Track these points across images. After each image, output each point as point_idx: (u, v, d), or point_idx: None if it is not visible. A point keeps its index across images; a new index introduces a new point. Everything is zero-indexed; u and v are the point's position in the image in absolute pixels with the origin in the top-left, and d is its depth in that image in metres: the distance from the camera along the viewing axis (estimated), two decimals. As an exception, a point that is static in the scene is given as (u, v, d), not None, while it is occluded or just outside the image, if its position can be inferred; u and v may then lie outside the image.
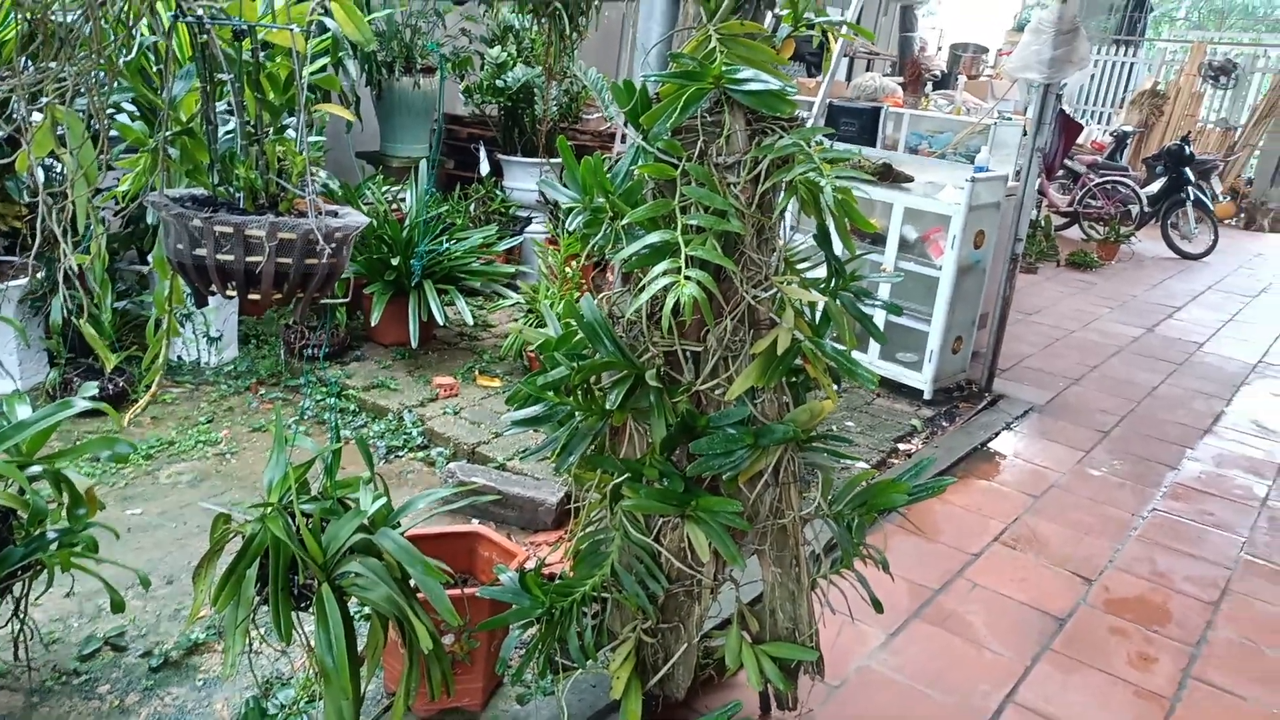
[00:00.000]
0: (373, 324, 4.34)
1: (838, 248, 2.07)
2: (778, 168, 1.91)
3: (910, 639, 2.78)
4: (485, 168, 5.87)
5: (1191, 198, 9.25)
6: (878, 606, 2.26)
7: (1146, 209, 9.40)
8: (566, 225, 2.08)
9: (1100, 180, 9.43)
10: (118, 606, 2.21)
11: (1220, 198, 10.93)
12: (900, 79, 8.67)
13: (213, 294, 1.60)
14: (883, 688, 2.56)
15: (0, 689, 2.31)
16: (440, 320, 4.32)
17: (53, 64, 1.26)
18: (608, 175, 2.04)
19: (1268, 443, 4.62)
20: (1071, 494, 3.84)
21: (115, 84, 1.48)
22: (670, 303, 1.74)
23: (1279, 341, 6.53)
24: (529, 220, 5.86)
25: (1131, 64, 13.61)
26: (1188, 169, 9.37)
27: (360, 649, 1.90)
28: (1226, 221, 11.34)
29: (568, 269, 4.50)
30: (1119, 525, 3.60)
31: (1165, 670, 2.75)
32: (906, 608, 2.92)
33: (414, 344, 4.30)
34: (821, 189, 1.83)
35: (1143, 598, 3.12)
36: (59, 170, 1.45)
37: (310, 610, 1.87)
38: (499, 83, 5.81)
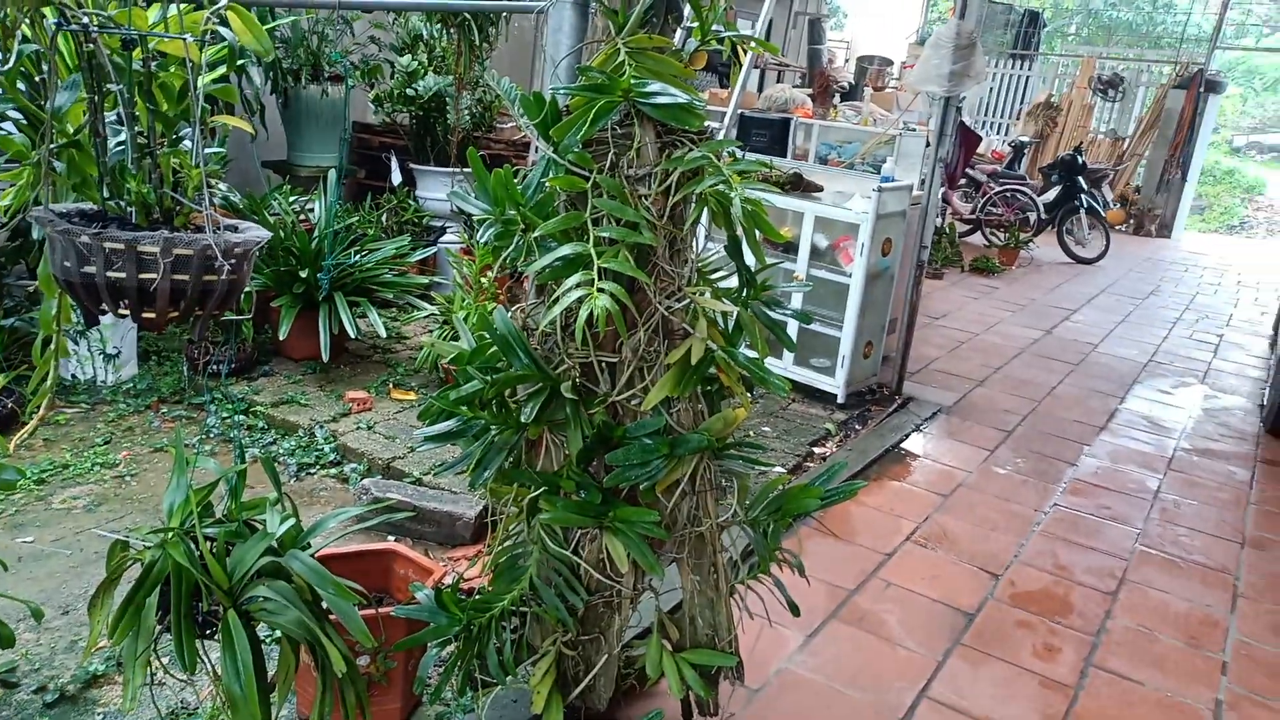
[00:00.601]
0: (281, 338, 4.23)
1: (749, 258, 2.10)
2: (688, 180, 1.93)
3: (828, 640, 2.83)
4: (397, 177, 5.77)
5: (1085, 205, 9.69)
6: (794, 610, 2.30)
7: (1044, 216, 9.81)
8: (479, 237, 2.06)
9: (1000, 189, 9.80)
10: (6, 641, 2.09)
11: (1111, 205, 11.48)
12: (809, 90, 8.87)
13: (103, 313, 1.53)
14: (802, 689, 2.60)
15: (-124, 735, 2.17)
16: (352, 333, 4.23)
17: (-78, 73, 1.19)
18: (519, 187, 2.03)
19: (1158, 438, 4.86)
20: (979, 492, 3.97)
21: (-7, 94, 1.41)
22: (584, 315, 1.73)
23: (1167, 341, 6.89)
24: (443, 230, 5.79)
25: (1027, 77, 14.20)
26: (1081, 178, 9.82)
27: (271, 674, 1.84)
28: (1117, 227, 11.92)
29: (483, 279, 4.46)
30: (1023, 521, 3.74)
31: (1068, 659, 2.86)
32: (824, 609, 2.97)
33: (325, 358, 4.20)
34: (731, 201, 1.85)
35: (1046, 590, 3.24)
36: (-66, 183, 1.37)
37: (216, 638, 1.81)
38: (410, 91, 5.73)
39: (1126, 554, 3.56)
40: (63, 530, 3.06)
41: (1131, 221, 12.54)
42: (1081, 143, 12.23)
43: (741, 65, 4.16)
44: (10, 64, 1.28)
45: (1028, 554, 3.48)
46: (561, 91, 1.94)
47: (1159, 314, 7.76)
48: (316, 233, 4.49)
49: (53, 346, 1.75)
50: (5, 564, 2.15)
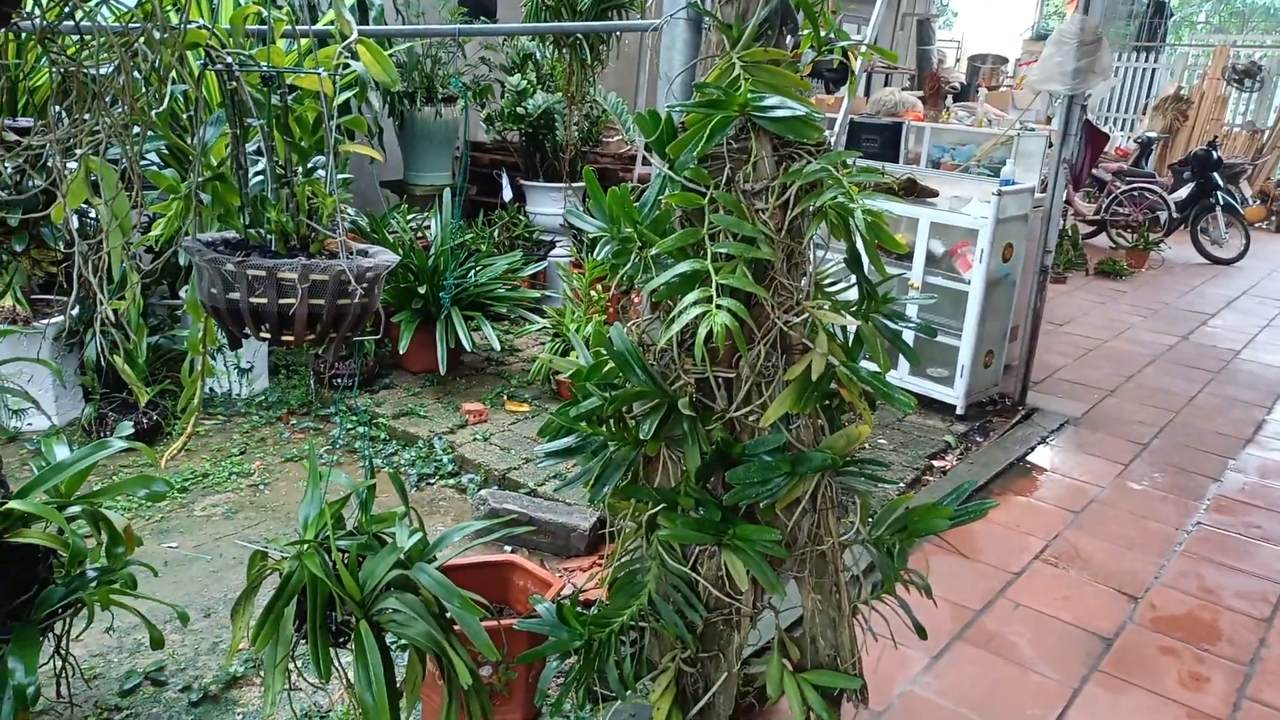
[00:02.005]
0: (401, 352, 4.37)
1: (868, 269, 2.05)
2: (806, 193, 1.90)
3: (954, 662, 2.73)
4: (508, 193, 5.91)
5: (1220, 202, 9.13)
6: (921, 633, 2.22)
7: (1175, 215, 9.29)
8: (595, 254, 2.08)
9: (1127, 187, 9.33)
10: (157, 642, 2.22)
11: (1250, 201, 10.79)
12: (919, 92, 8.66)
13: (246, 336, 1.60)
14: (927, 713, 2.51)
15: (43, 728, 2.33)
16: (467, 346, 4.33)
17: (86, 116, 1.27)
18: (635, 204, 2.04)
19: (1312, 451, 4.53)
20: (1112, 509, 3.77)
21: (147, 134, 1.50)
22: (703, 332, 1.72)
23: (1318, 346, 6.42)
24: (553, 244, 5.88)
25: (1153, 70, 13.51)
26: (1215, 173, 9.25)
27: (399, 682, 1.89)
28: (1257, 225, 11.17)
29: (593, 292, 4.50)
30: (1163, 540, 3.53)
31: (1219, 690, 2.68)
32: (949, 629, 2.87)
33: (442, 370, 4.32)
34: (852, 213, 1.81)
35: (1191, 615, 3.05)
36: (93, 216, 1.47)
37: (348, 646, 1.87)
38: (519, 110, 5.85)
39: (1280, 577, 3.32)
40: (203, 536, 3.23)
41: (1273, 218, 11.74)
42: (1216, 136, 11.53)
43: (854, 72, 4.08)
44: (164, 105, 1.36)
45: (1169, 575, 3.28)
46: (677, 108, 1.94)
47: (1308, 317, 7.24)
48: (433, 250, 4.63)
49: (199, 368, 1.84)
50: (155, 569, 2.28)
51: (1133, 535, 3.55)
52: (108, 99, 1.26)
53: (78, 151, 1.33)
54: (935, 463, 4.10)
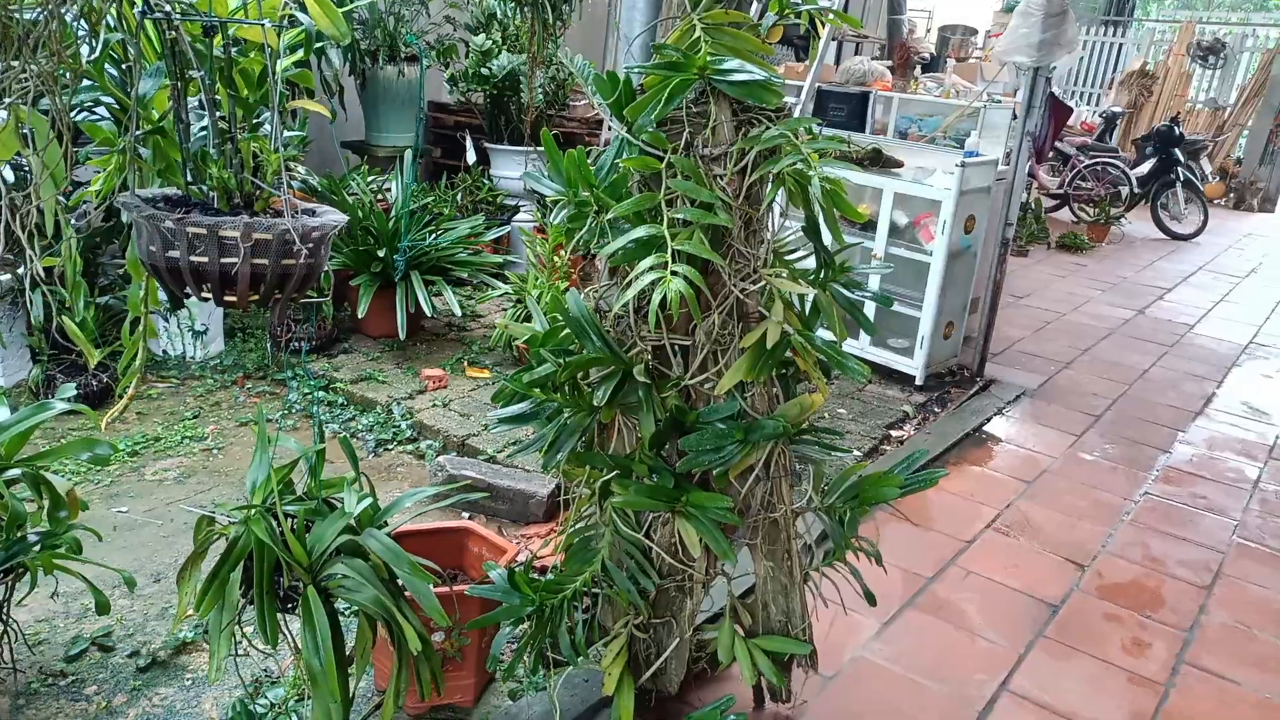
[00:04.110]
0: (360, 316, 4.31)
1: (827, 238, 2.04)
2: (765, 159, 1.89)
3: (904, 628, 2.77)
4: (471, 156, 5.82)
5: (1181, 178, 9.24)
6: (870, 599, 2.25)
7: (1136, 190, 9.39)
8: (552, 218, 2.05)
9: (1090, 162, 9.41)
10: (103, 608, 2.18)
11: (1210, 178, 10.93)
12: (889, 62, 8.63)
13: (187, 296, 1.56)
14: (877, 678, 2.55)
15: (-15, 693, 2.29)
16: (428, 311, 4.28)
17: (14, 63, 1.22)
18: (592, 168, 2.01)
19: (1259, 425, 4.63)
20: (1064, 479, 3.83)
21: (81, 83, 1.44)
22: (657, 298, 1.71)
23: (1270, 322, 6.54)
24: (516, 209, 5.82)
25: (1120, 44, 13.58)
26: (1177, 149, 9.35)
27: (348, 648, 1.88)
28: (1216, 202, 11.34)
29: (556, 258, 4.46)
30: (1112, 510, 3.60)
31: (1159, 656, 2.75)
32: (900, 596, 2.91)
33: (402, 336, 4.27)
34: (810, 180, 1.80)
35: (1136, 583, 3.12)
36: (28, 168, 1.41)
37: (297, 612, 1.85)
38: (484, 71, 5.75)
39: (1223, 546, 3.40)
40: (154, 501, 3.18)
41: (1232, 195, 11.92)
42: (1179, 113, 11.65)
43: (819, 38, 4.05)
44: (98, 52, 1.31)
45: (1116, 544, 3.35)
46: (636, 70, 1.91)
47: (1261, 293, 7.37)
48: (394, 212, 4.55)
49: (141, 327, 1.80)
50: (100, 534, 2.24)
51: (1082, 505, 3.61)
52: (34, 45, 1.21)
53: (6, 100, 1.27)
54: (893, 432, 4.14)
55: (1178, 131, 9.47)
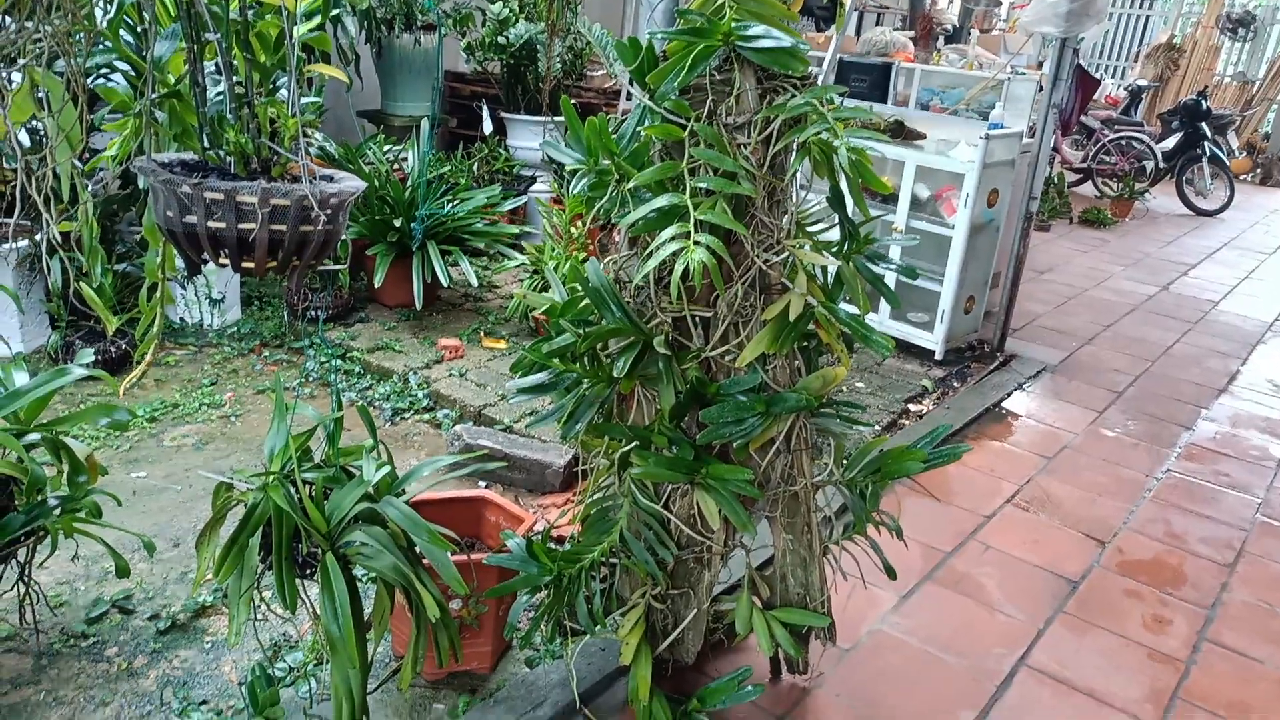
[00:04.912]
0: (376, 285, 4.30)
1: (851, 210, 2.01)
2: (790, 128, 1.85)
3: (922, 602, 2.76)
4: (488, 126, 5.77)
5: (1207, 153, 9.08)
6: (891, 573, 2.24)
7: (1161, 165, 9.23)
8: (572, 188, 2.02)
9: (1115, 136, 9.26)
10: (122, 571, 2.20)
11: (1236, 153, 10.74)
12: (911, 33, 8.48)
13: (205, 262, 1.55)
14: (895, 651, 2.54)
15: (8, 652, 2.31)
16: (444, 281, 4.27)
17: (28, 24, 1.20)
18: (613, 136, 1.97)
19: (1283, 402, 4.57)
20: (1085, 455, 3.80)
21: (96, 45, 1.42)
22: (679, 269, 1.68)
23: (1295, 299, 6.45)
24: (533, 179, 5.78)
25: (1147, 16, 13.31)
26: (1204, 124, 9.18)
27: (366, 614, 1.88)
28: (1242, 177, 11.15)
29: (573, 229, 4.43)
30: (1133, 486, 3.57)
31: (1180, 632, 2.73)
32: (919, 570, 2.89)
33: (418, 305, 4.26)
34: (835, 150, 1.77)
35: (1157, 559, 3.09)
36: (44, 133, 1.40)
37: (315, 578, 1.86)
38: (501, 39, 5.69)
39: (1246, 524, 3.37)
40: (173, 467, 3.19)
41: (1259, 171, 11.71)
42: (1206, 87, 11.42)
43: (843, 8, 3.98)
44: (113, 14, 1.29)
45: (1138, 521, 3.32)
46: (659, 36, 1.87)
47: (1287, 270, 7.26)
48: (410, 182, 4.53)
49: (159, 293, 1.79)
50: (119, 499, 2.25)
51: (1103, 481, 3.58)
52: (49, 6, 1.19)
53: (21, 62, 1.25)
54: (912, 407, 4.11)
55: (1205, 105, 9.29)
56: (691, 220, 1.72)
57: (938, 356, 4.53)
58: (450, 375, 3.93)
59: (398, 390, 3.85)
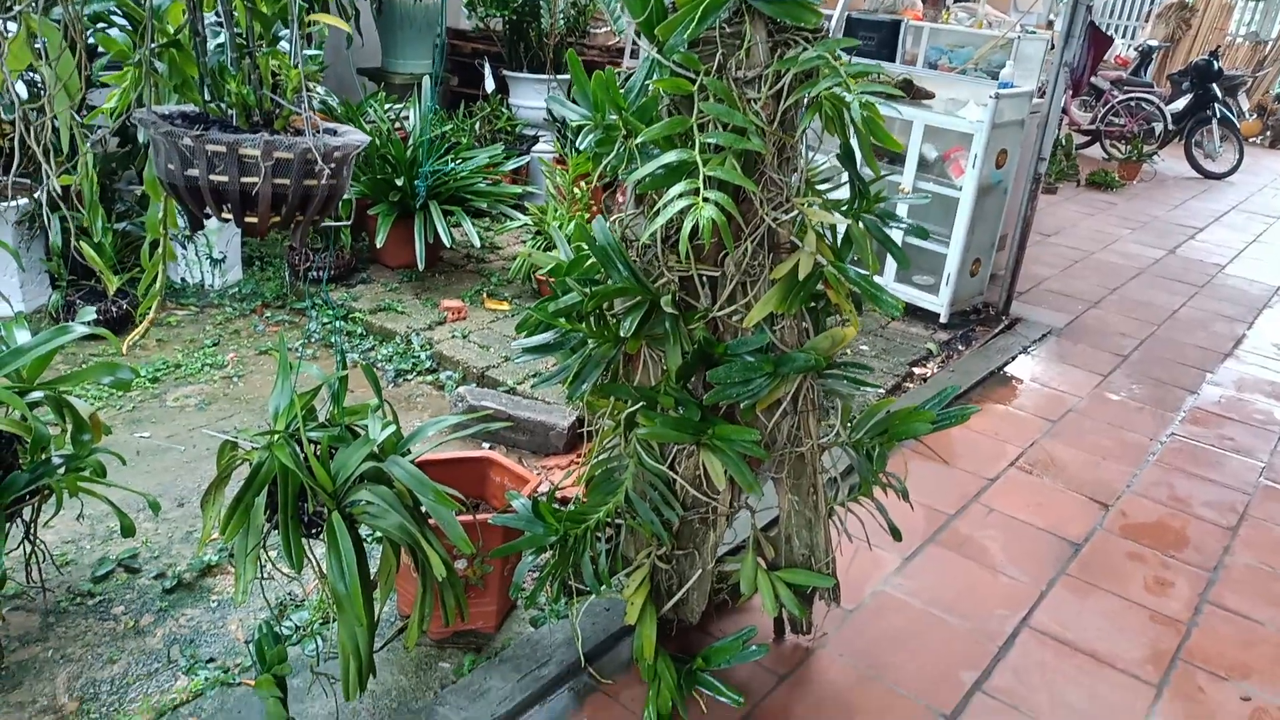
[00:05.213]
0: (378, 246, 4.26)
1: (861, 168, 1.98)
2: (801, 83, 1.81)
3: (926, 563, 2.77)
4: (490, 84, 5.69)
5: (1217, 115, 8.96)
6: (896, 535, 2.24)
7: (1170, 127, 9.12)
8: (577, 144, 1.99)
9: (1124, 97, 9.14)
10: (127, 530, 2.20)
11: (1247, 115, 10.61)
12: (920, -11, 8.33)
13: (207, 217, 1.52)
14: (898, 612, 2.55)
15: (16, 610, 2.32)
16: (446, 242, 4.23)
17: (24, -35, 1.16)
18: (620, 91, 1.93)
19: (1289, 367, 4.55)
20: (1089, 418, 3.79)
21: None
22: (688, 226, 1.66)
23: (1303, 263, 6.41)
24: (535, 139, 5.71)
25: (1160, -27, 13.07)
26: (1215, 85, 9.06)
27: (372, 573, 1.88)
28: (1252, 140, 11.04)
29: (576, 189, 4.39)
30: (1137, 450, 3.56)
31: (1182, 594, 2.73)
32: (922, 532, 2.90)
33: (420, 266, 4.23)
34: (848, 105, 1.73)
35: (1160, 523, 3.09)
36: (43, 85, 1.36)
37: (321, 537, 1.85)
38: (503, -6, 5.59)
39: (1249, 488, 3.37)
40: (176, 427, 3.19)
41: (1269, 133, 11.58)
42: (1218, 47, 11.26)
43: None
44: (109, -43, 1.25)
45: (1141, 484, 3.32)
46: (668, -15, 1.82)
47: (1295, 234, 7.21)
48: (411, 140, 4.47)
49: (160, 249, 1.76)
50: (123, 458, 2.24)
51: (1108, 445, 3.58)
52: (44, -53, 1.15)
53: (16, 8, 1.22)
54: (916, 370, 4.10)
55: (1216, 66, 9.16)
56: (701, 176, 1.69)
57: (943, 320, 4.50)
58: (453, 337, 3.92)
59: (400, 351, 3.83)
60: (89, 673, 2.16)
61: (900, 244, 4.33)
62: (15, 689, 2.10)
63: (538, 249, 4.28)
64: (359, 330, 4.00)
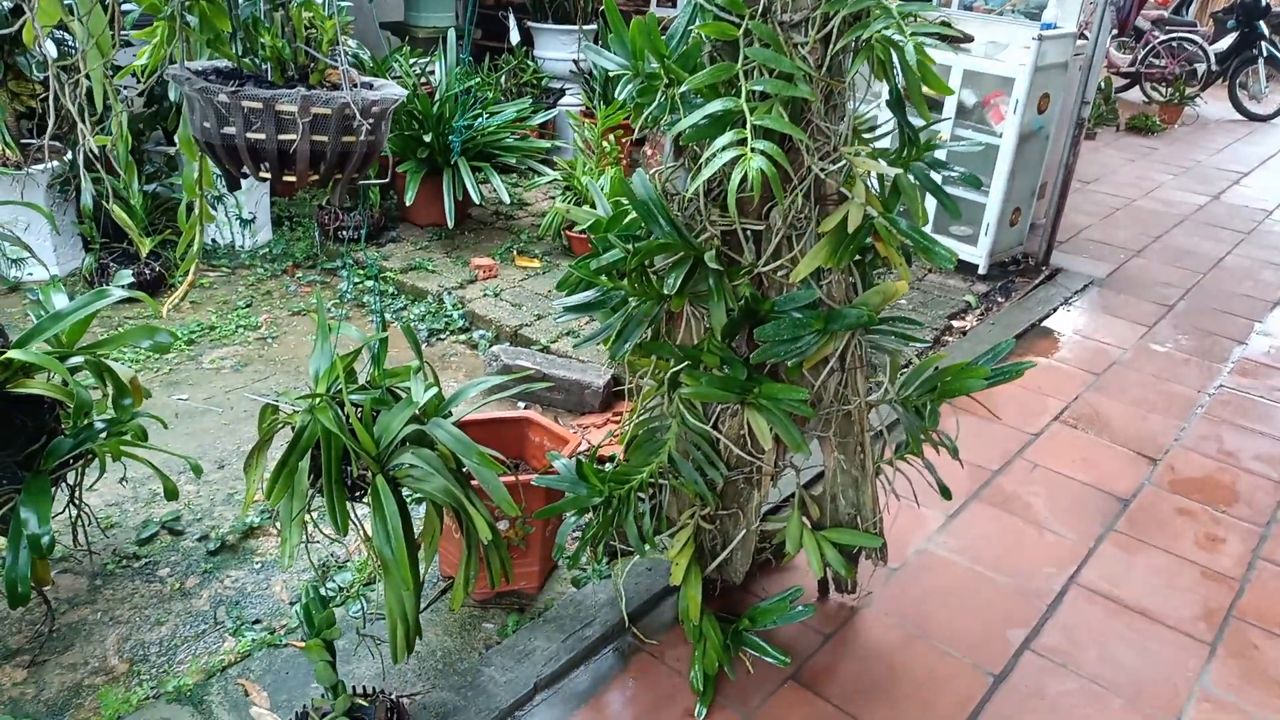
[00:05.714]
0: (407, 204, 4.22)
1: (911, 114, 1.90)
2: (850, 25, 1.73)
3: (970, 521, 2.73)
4: (515, 36, 5.59)
5: (1265, 54, 8.65)
6: (946, 494, 2.20)
7: (1214, 68, 8.83)
8: (615, 94, 1.92)
9: (1165, 38, 8.84)
10: (171, 493, 2.20)
11: (1294, 53, 10.24)
12: (955, -72, 8.05)
13: (245, 176, 1.49)
14: (943, 570, 2.52)
15: (64, 573, 2.34)
16: (475, 199, 4.18)
17: (51, -85, 1.12)
18: (662, 37, 1.86)
19: (1340, 315, 4.43)
20: (1134, 371, 3.70)
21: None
22: (736, 178, 1.60)
23: (1353, 208, 6.20)
24: (562, 92, 5.62)
25: (1204, -94, 12.57)
26: (1262, 22, 8.73)
27: (416, 535, 1.87)
28: (1299, 80, 10.66)
29: (605, 143, 4.31)
30: (1184, 403, 3.48)
31: (1234, 551, 2.68)
32: (966, 489, 2.85)
33: (450, 224, 4.18)
34: (901, 49, 1.66)
35: (1210, 477, 3.03)
36: (72, 43, 1.33)
37: (364, 500, 1.84)
38: (528, -58, 5.46)
39: (1301, 441, 3.29)
40: (213, 389, 3.19)
41: (1315, 73, 11.19)
42: (1264, -18, 10.83)
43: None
44: (137, -95, 1.20)
45: (1189, 438, 3.24)
46: (711, -75, 1.74)
47: (1344, 178, 6.98)
48: (438, 96, 4.40)
49: (196, 211, 1.73)
50: (164, 422, 2.24)
51: (1153, 398, 3.50)
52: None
53: (44, -39, 1.17)
54: (955, 323, 4.02)
55: (1264, 2, 8.82)
56: (748, 125, 1.63)
57: (981, 271, 4.41)
58: (485, 295, 3.89)
59: (433, 311, 3.81)
60: (137, 634, 2.18)
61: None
62: (67, 650, 2.12)
63: (569, 204, 4.22)
64: (390, 289, 3.98)
